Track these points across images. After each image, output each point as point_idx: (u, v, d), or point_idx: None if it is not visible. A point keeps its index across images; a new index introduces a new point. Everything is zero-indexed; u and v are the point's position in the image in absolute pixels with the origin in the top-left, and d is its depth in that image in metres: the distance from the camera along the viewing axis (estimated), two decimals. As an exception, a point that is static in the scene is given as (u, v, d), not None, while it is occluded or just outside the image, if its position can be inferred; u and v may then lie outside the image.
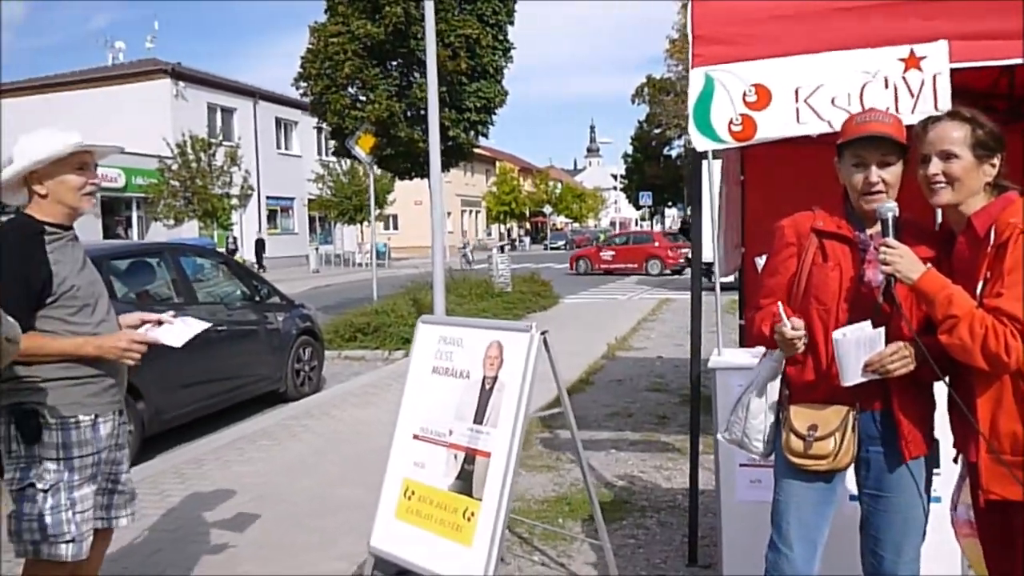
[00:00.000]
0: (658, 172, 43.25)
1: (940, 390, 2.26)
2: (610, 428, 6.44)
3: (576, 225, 71.86)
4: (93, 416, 2.61)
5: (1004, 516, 2.14)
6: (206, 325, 3.00)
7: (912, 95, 3.17)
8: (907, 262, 2.05)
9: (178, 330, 2.96)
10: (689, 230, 26.19)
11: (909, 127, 2.25)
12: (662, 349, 10.50)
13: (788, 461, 2.29)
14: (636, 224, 63.06)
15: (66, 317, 2.56)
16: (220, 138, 27.96)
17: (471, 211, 59.97)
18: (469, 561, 3.01)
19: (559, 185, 71.62)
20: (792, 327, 2.17)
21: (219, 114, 33.23)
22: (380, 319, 11.59)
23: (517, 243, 62.64)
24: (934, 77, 3.15)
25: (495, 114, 13.91)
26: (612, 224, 52.38)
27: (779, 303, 2.22)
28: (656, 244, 27.09)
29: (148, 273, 7.13)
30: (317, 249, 35.05)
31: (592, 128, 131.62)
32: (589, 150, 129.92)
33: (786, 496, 2.33)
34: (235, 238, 27.51)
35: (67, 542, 2.53)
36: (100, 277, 2.80)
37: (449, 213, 53.66)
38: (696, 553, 3.80)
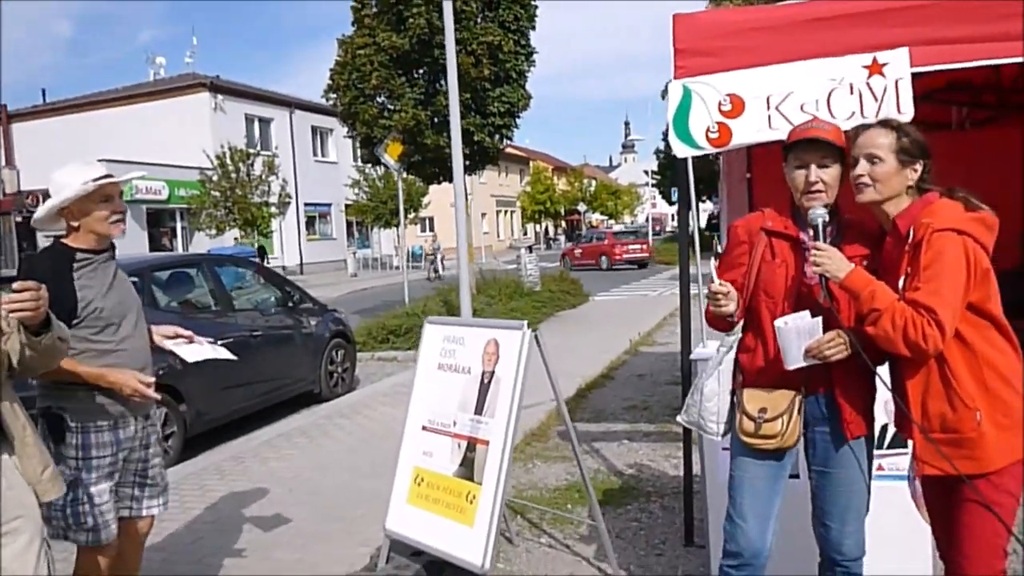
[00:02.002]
0: (692, 166, 43.00)
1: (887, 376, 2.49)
2: (626, 420, 6.69)
3: (611, 222, 71.83)
4: (112, 422, 2.92)
5: (943, 488, 2.37)
6: (231, 358, 3.37)
7: (876, 100, 3.38)
8: (835, 263, 2.28)
9: (201, 350, 3.31)
10: (717, 225, 26.89)
11: (847, 133, 2.48)
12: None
13: (741, 441, 2.55)
14: (672, 220, 62.82)
15: (90, 336, 2.87)
16: (258, 148, 28.68)
17: (506, 211, 60.29)
18: (471, 539, 3.31)
19: (593, 183, 71.59)
20: (719, 284, 2.44)
21: (257, 124, 34.05)
22: (411, 321, 11.95)
23: (552, 242, 62.84)
24: (896, 82, 3.36)
25: (519, 117, 14.20)
26: (647, 220, 52.23)
27: (712, 262, 2.50)
28: (606, 243, 31.66)
29: (187, 283, 7.56)
30: (355, 253, 35.70)
31: (627, 124, 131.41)
32: (624, 147, 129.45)
33: (740, 473, 2.58)
34: (262, 246, 27.77)
35: (87, 530, 2.86)
36: (132, 293, 3.11)
37: (484, 214, 54.06)
38: (692, 533, 4.05)
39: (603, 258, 30.73)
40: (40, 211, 2.92)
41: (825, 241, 2.36)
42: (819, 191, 2.42)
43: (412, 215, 36.22)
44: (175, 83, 33.41)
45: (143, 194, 27.66)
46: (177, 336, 3.29)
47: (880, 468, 3.09)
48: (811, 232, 2.42)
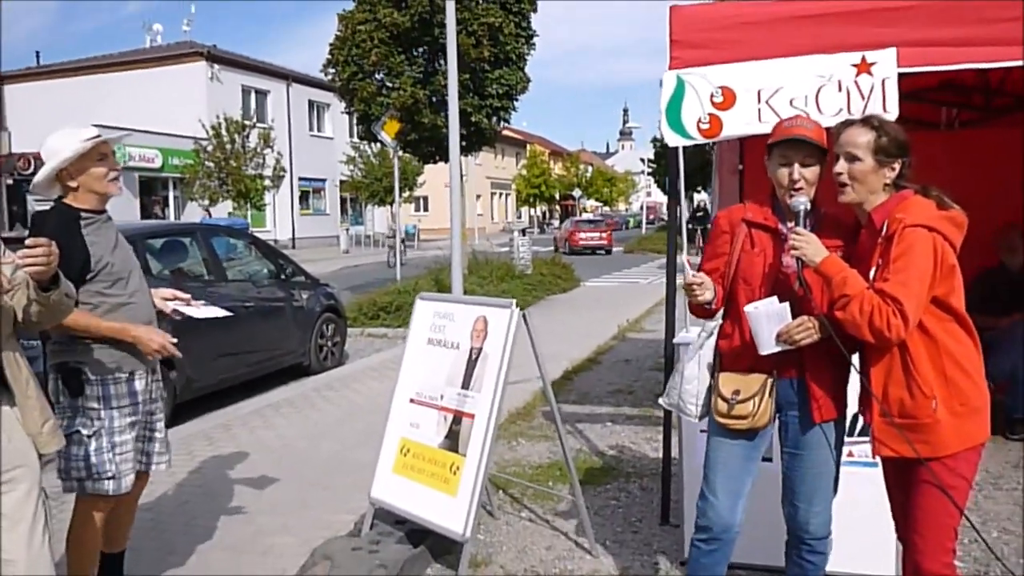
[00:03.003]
0: (686, 156, 43.12)
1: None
2: (611, 404, 6.81)
3: (607, 209, 71.88)
4: (129, 372, 3.03)
5: (901, 471, 2.49)
6: (227, 314, 3.46)
7: (863, 98, 3.48)
8: (812, 248, 2.39)
9: (202, 310, 3.44)
10: (703, 218, 27.20)
11: (830, 129, 2.57)
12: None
13: (715, 421, 2.66)
14: (663, 209, 62.97)
15: (103, 290, 2.98)
16: (254, 120, 28.56)
17: (501, 194, 60.31)
18: (453, 508, 3.42)
19: (590, 169, 71.61)
20: (692, 275, 2.55)
21: (253, 96, 33.91)
22: (402, 298, 12.04)
23: (546, 226, 62.86)
24: (883, 81, 3.45)
25: (517, 100, 14.25)
26: (642, 208, 52.33)
27: (686, 258, 2.60)
28: (570, 229, 34.07)
29: (181, 251, 7.61)
30: (348, 230, 35.68)
31: (625, 111, 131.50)
32: (622, 133, 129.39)
33: (714, 452, 2.69)
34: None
35: (109, 479, 2.97)
36: (132, 252, 3.22)
37: (479, 196, 54.05)
38: (668, 513, 4.17)
39: (565, 243, 33.03)
40: (39, 175, 2.99)
41: (805, 228, 2.45)
42: (800, 187, 2.51)
43: (407, 194, 36.22)
44: (172, 51, 33.24)
45: (136, 161, 27.54)
46: (175, 298, 3.38)
47: (850, 454, 3.22)
48: (793, 219, 2.51)
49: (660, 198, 72.31)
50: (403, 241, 25.03)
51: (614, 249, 32.43)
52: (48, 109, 28.32)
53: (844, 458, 2.77)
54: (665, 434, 4.17)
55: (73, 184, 2.99)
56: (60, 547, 3.11)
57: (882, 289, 2.27)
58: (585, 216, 45.54)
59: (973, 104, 5.96)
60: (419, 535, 3.72)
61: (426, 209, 50.57)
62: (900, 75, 3.44)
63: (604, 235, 32.53)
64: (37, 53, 37.05)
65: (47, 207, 3.07)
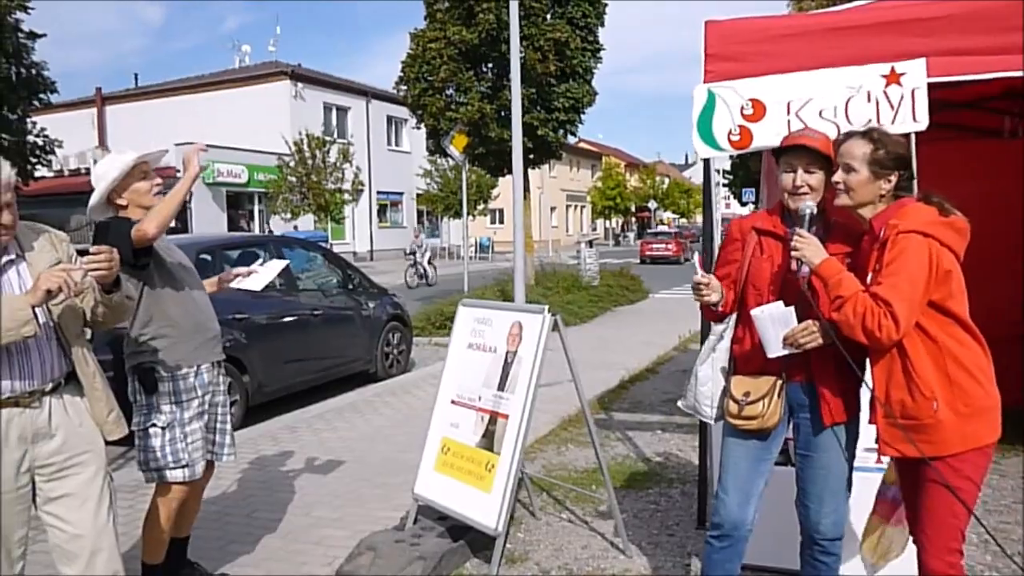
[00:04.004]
0: (751, 165, 42.43)
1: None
2: (663, 412, 6.87)
3: (684, 221, 71.04)
4: (196, 367, 3.32)
5: (909, 472, 2.55)
6: (285, 262, 3.81)
7: (892, 108, 3.50)
8: (812, 250, 2.47)
9: (261, 276, 3.79)
10: None
11: (835, 140, 2.65)
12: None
13: (727, 422, 2.75)
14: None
15: (171, 278, 3.31)
16: (335, 135, 29.51)
17: (576, 206, 60.36)
18: (488, 504, 3.59)
19: (666, 180, 70.96)
20: (701, 275, 2.66)
21: (334, 113, 35.03)
22: (468, 309, 12.27)
23: (621, 238, 62.54)
24: (912, 92, 3.47)
25: (584, 113, 14.40)
26: (720, 220, 51.63)
27: (696, 256, 2.71)
28: (642, 241, 37.73)
29: (254, 262, 8.03)
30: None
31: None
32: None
33: (727, 452, 2.79)
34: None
35: (183, 467, 3.26)
36: (186, 259, 3.53)
37: (554, 208, 54.24)
38: (704, 517, 4.23)
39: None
40: (93, 200, 3.26)
41: (809, 231, 2.54)
42: (804, 193, 2.60)
43: (481, 206, 36.72)
44: (258, 71, 34.65)
45: (224, 177, 28.83)
46: (236, 276, 3.72)
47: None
48: (799, 224, 2.60)
49: (736, 209, 71.13)
50: (429, 259, 22.80)
51: (687, 260, 32.75)
52: (145, 128, 29.93)
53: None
54: (701, 438, 4.24)
55: (123, 202, 3.27)
56: (136, 533, 3.44)
57: (875, 292, 2.34)
58: (659, 228, 46.23)
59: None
60: (459, 531, 3.90)
61: (501, 221, 51.04)
62: (943, 84, 3.46)
63: (671, 246, 34.91)
64: (136, 75, 39.27)
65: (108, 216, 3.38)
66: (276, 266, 3.97)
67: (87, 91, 33.66)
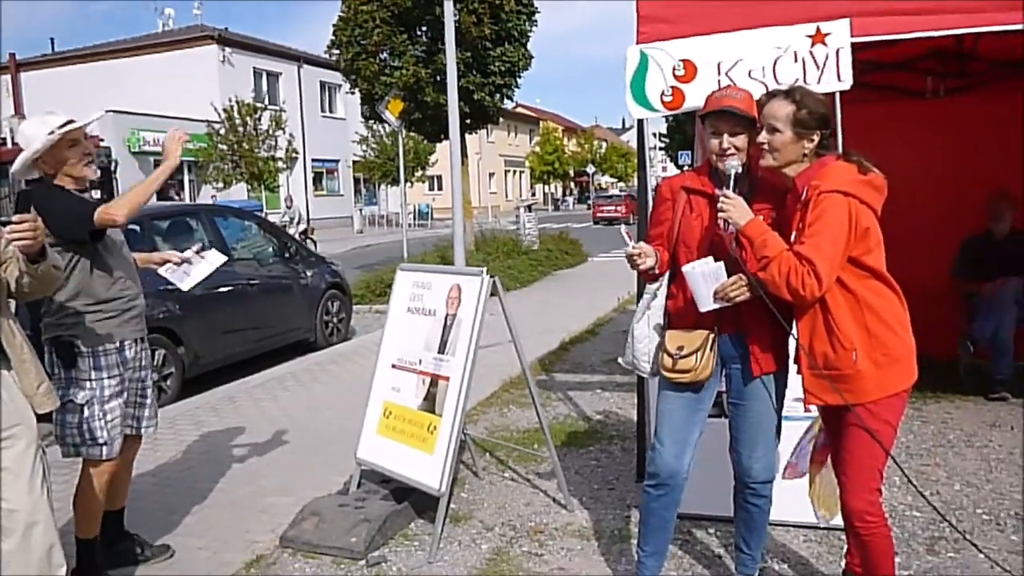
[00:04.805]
0: (688, 127, 43.00)
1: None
2: (603, 372, 6.99)
3: (622, 185, 71.62)
4: (118, 343, 3.24)
5: (832, 419, 2.68)
6: (223, 259, 3.67)
7: (818, 67, 3.59)
8: (738, 211, 2.55)
9: (193, 273, 3.63)
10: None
11: (759, 100, 2.71)
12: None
13: (662, 376, 2.84)
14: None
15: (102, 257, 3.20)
16: (266, 102, 28.77)
17: (515, 171, 60.29)
18: (431, 465, 3.63)
19: (604, 144, 71.28)
20: (632, 247, 2.72)
21: (265, 79, 34.12)
22: (409, 276, 12.22)
23: (560, 203, 62.75)
24: (837, 51, 3.56)
25: (520, 77, 14.33)
26: (657, 182, 52.26)
27: (623, 229, 2.77)
28: (593, 203, 38.21)
29: (187, 232, 7.84)
30: (361, 210, 35.94)
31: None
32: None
33: (663, 405, 2.88)
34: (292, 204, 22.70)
35: (100, 444, 3.20)
36: (120, 234, 3.40)
37: (492, 173, 54.10)
38: (644, 471, 4.34)
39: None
40: (16, 163, 3.13)
41: (734, 192, 2.61)
42: (731, 155, 2.67)
43: (419, 173, 36.35)
44: (183, 35, 33.45)
45: (151, 146, 27.88)
46: (166, 261, 3.59)
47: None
48: (725, 184, 2.67)
49: (674, 172, 71.95)
50: (303, 233, 18.31)
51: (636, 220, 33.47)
52: (64, 96, 28.48)
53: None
54: (639, 395, 4.35)
55: (49, 170, 3.15)
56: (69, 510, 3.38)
57: (798, 251, 2.43)
58: (611, 192, 47.37)
59: (951, 71, 6.04)
60: (403, 492, 3.94)
61: (439, 188, 50.66)
62: (870, 44, 3.56)
63: (621, 208, 36.01)
64: (52, 40, 37.45)
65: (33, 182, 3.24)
66: (212, 262, 3.71)
67: None
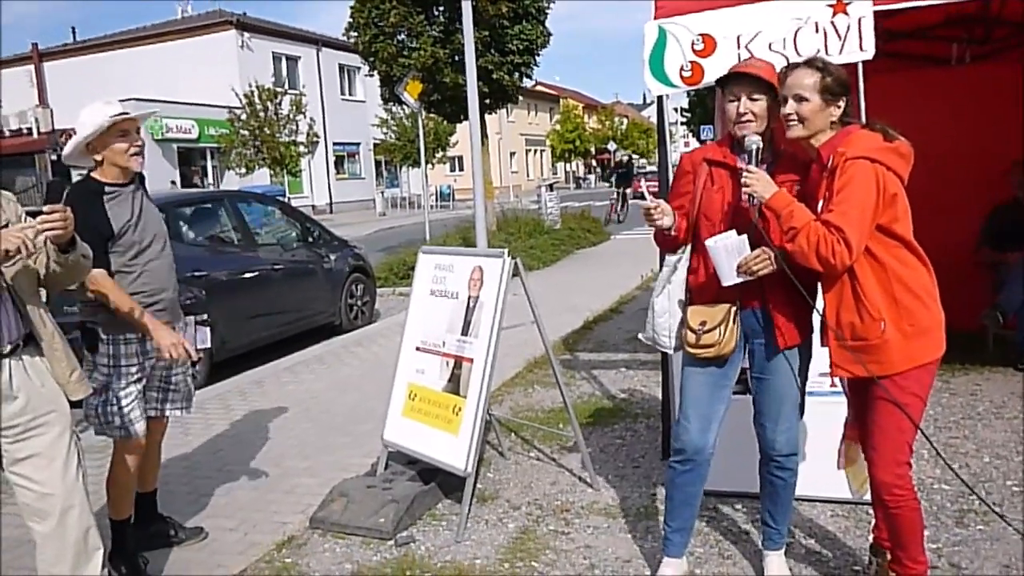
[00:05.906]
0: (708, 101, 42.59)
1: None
2: (627, 351, 6.98)
3: (644, 161, 71.11)
4: (140, 334, 3.27)
5: (859, 392, 2.66)
6: (206, 346, 3.71)
7: (840, 38, 3.54)
8: (762, 184, 2.52)
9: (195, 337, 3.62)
10: (625, 175, 26.59)
11: (779, 73, 2.68)
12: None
13: (685, 351, 2.83)
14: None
15: (121, 260, 3.24)
16: (285, 86, 28.82)
17: (535, 150, 60.01)
18: (456, 446, 3.66)
19: (624, 121, 70.72)
20: (650, 200, 2.73)
21: (284, 63, 34.15)
22: (431, 257, 12.25)
23: (582, 181, 62.46)
24: (859, 20, 3.51)
25: (539, 55, 14.24)
26: (680, 159, 51.83)
27: (646, 186, 2.75)
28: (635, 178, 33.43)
29: (211, 219, 7.92)
30: (383, 193, 35.99)
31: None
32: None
33: (687, 381, 2.87)
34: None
35: (116, 427, 3.25)
36: (160, 223, 3.45)
37: (513, 153, 53.91)
38: (668, 448, 4.35)
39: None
40: (68, 147, 3.27)
41: (758, 166, 2.59)
42: (748, 120, 2.64)
43: (440, 154, 36.31)
44: (202, 20, 33.52)
45: (173, 133, 28.11)
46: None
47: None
48: (746, 158, 2.65)
49: (696, 147, 71.15)
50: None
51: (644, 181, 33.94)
52: (86, 85, 28.86)
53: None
54: (664, 372, 4.34)
55: (98, 157, 3.25)
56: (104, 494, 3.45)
57: (827, 220, 2.40)
58: (648, 169, 46.84)
59: (975, 37, 5.91)
60: (430, 473, 3.97)
61: (461, 169, 50.55)
62: (888, 13, 3.50)
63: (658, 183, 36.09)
64: (73, 29, 37.72)
65: (67, 179, 3.31)
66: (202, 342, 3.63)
67: (21, 47, 32.27)
